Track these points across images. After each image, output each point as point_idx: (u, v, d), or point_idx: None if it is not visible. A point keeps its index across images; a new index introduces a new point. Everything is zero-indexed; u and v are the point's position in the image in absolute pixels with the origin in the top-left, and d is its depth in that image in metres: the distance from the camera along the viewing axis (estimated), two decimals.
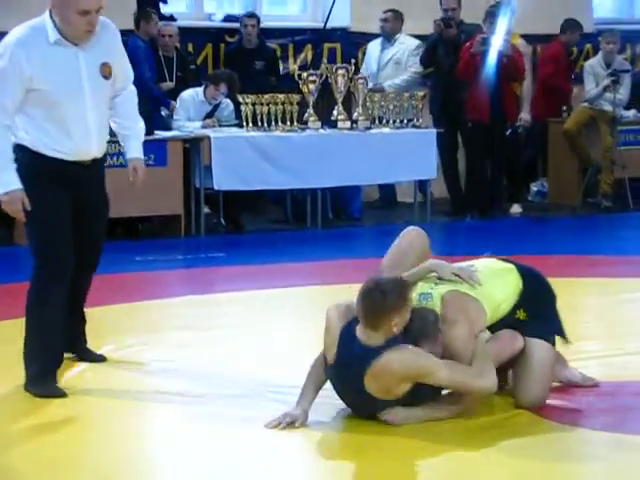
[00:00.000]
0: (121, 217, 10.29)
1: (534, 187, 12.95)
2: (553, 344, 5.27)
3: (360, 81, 10.92)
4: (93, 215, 5.59)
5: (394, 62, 11.64)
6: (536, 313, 5.21)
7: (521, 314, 5.19)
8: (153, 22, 11.27)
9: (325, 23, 12.00)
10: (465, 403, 5.00)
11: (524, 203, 12.39)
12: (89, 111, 5.35)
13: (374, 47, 11.92)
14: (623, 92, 12.09)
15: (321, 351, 5.03)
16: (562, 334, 5.33)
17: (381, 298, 4.79)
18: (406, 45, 11.76)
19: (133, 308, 7.34)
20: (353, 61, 11.33)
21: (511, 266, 5.31)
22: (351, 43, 12.20)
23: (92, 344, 5.94)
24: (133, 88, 5.73)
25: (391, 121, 11.06)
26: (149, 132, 10.20)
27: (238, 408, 5.18)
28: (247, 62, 11.35)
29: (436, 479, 4.47)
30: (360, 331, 4.84)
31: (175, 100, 10.91)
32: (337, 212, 11.51)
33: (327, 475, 4.51)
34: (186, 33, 11.55)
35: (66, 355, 5.78)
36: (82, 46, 5.30)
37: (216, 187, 10.34)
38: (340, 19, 12.29)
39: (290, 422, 4.88)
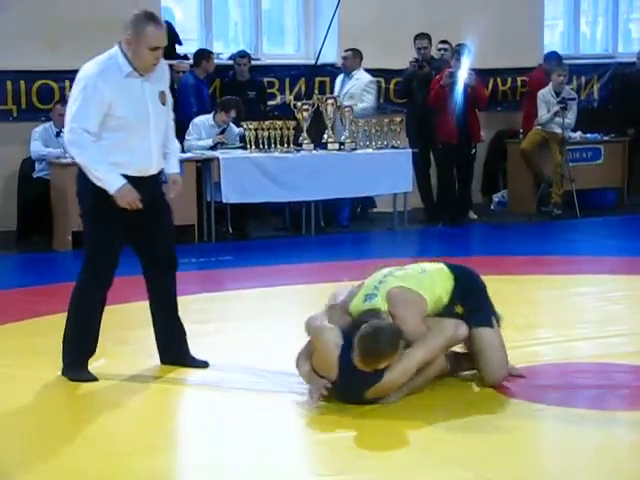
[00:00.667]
0: None
1: (496, 198, 12.95)
2: (498, 324, 5.24)
3: (346, 109, 10.93)
4: (157, 219, 5.53)
5: (349, 95, 11.44)
6: (472, 307, 5.16)
7: (459, 309, 5.15)
8: (212, 61, 11.35)
9: (316, 60, 12.00)
10: (435, 366, 5.01)
11: (488, 212, 12.45)
12: (152, 132, 5.37)
13: (338, 80, 11.84)
14: (570, 117, 12.10)
15: (301, 350, 5.07)
16: (497, 318, 5.25)
17: (375, 348, 4.74)
18: (360, 81, 11.59)
19: None
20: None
21: (441, 265, 5.30)
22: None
23: (121, 336, 5.91)
24: (172, 114, 5.70)
25: (373, 143, 11.08)
26: None
27: (244, 392, 5.19)
28: (241, 93, 11.36)
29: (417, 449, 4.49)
30: (356, 360, 4.80)
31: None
32: (328, 221, 11.51)
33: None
34: None
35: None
36: (146, 77, 5.32)
37: (224, 200, 10.34)
38: (329, 56, 12.28)
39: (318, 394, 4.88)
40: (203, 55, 11.40)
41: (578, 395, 5.09)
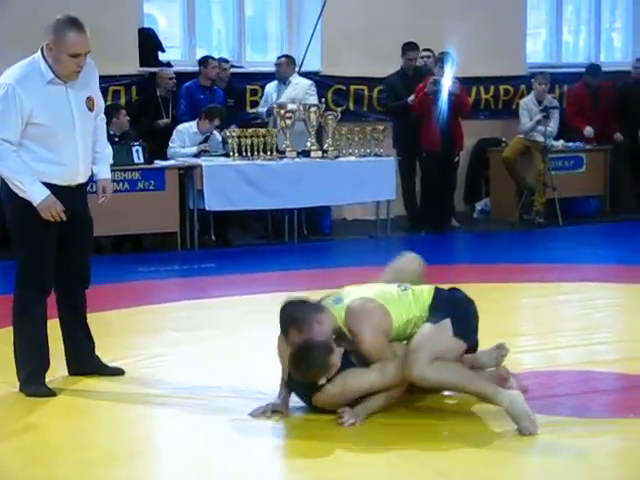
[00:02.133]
0: (127, 234, 10.31)
1: (478, 206, 12.97)
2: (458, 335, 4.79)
3: (330, 117, 10.92)
4: (79, 233, 5.43)
5: (291, 101, 11.15)
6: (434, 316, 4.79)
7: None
8: (210, 66, 11.27)
9: (300, 67, 11.97)
10: (397, 389, 4.79)
11: (470, 220, 12.47)
12: (78, 141, 5.25)
13: (271, 88, 11.58)
14: (552, 125, 12.13)
15: None
16: (461, 330, 4.78)
17: (306, 370, 4.66)
18: (300, 85, 11.43)
19: (137, 312, 7.30)
20: (323, 100, 11.33)
21: (431, 287, 4.96)
22: (322, 85, 12.14)
23: (101, 344, 5.83)
24: (103, 116, 5.58)
25: (356, 150, 11.07)
26: (150, 162, 10.25)
27: (222, 401, 5.14)
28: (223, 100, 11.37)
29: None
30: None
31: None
32: (310, 228, 11.49)
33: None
34: (180, 77, 11.52)
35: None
36: (70, 83, 5.21)
37: (207, 208, 10.32)
38: (312, 64, 12.27)
39: (273, 410, 4.83)
40: (202, 62, 11.36)
41: (561, 403, 5.06)
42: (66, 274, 5.42)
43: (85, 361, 5.62)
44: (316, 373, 4.67)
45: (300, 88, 11.40)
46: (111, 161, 5.65)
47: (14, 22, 10.77)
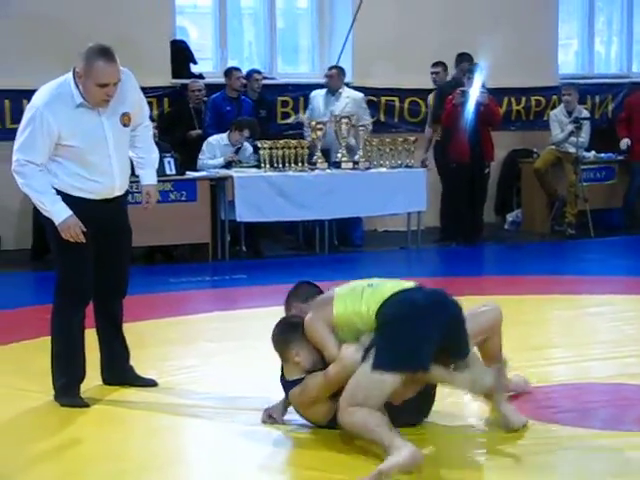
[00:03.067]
0: (159, 245, 10.37)
1: (509, 217, 12.94)
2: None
3: (360, 128, 10.94)
4: (117, 244, 5.48)
5: (346, 114, 11.01)
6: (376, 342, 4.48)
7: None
8: (234, 77, 11.26)
9: None
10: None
11: (501, 231, 12.45)
12: (113, 157, 5.27)
13: (318, 99, 11.47)
14: (584, 136, 12.10)
15: None
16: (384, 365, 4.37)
17: (281, 329, 4.86)
18: (352, 98, 11.41)
19: (169, 323, 7.34)
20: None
21: (396, 285, 4.69)
22: None
23: (133, 354, 5.84)
24: (148, 123, 5.61)
25: (387, 162, 11.09)
26: (182, 173, 10.30)
27: (255, 412, 5.12)
28: (253, 111, 11.40)
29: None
30: (282, 367, 4.91)
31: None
32: (341, 240, 11.50)
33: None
34: (212, 89, 11.58)
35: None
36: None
37: (238, 219, 10.36)
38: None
39: (270, 416, 4.95)
40: (226, 73, 11.40)
41: (593, 415, 5.05)
42: (104, 284, 5.46)
43: (120, 372, 5.66)
44: (288, 332, 4.83)
45: (352, 102, 11.37)
46: (156, 166, 5.69)
47: (47, 37, 10.88)
